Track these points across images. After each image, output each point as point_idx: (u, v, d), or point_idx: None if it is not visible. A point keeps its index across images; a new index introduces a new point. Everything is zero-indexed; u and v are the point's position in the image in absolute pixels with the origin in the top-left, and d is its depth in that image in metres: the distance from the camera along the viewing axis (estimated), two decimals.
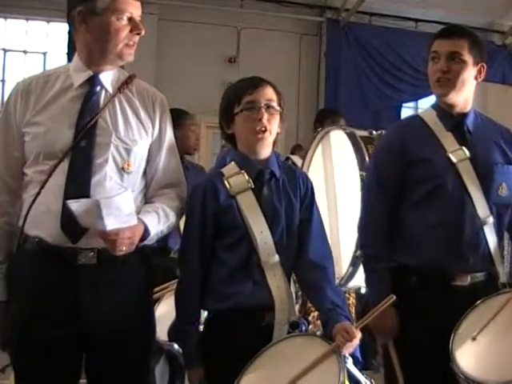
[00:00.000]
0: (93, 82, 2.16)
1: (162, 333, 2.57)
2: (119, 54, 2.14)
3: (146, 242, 2.12)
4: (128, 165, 2.14)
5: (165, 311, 2.82)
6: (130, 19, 2.11)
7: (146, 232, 2.08)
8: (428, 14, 9.80)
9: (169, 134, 2.27)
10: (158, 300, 2.92)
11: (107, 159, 2.10)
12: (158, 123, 2.23)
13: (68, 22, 2.18)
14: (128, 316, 2.12)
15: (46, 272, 2.07)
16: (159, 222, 2.14)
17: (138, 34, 2.14)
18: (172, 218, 2.21)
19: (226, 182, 2.20)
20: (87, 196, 2.04)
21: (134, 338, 2.15)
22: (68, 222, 2.01)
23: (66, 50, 2.25)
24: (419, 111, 2.82)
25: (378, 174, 2.53)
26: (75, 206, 1.90)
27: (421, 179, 2.44)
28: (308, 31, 10.23)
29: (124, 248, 1.98)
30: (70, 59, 2.26)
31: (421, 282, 2.41)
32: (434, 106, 2.58)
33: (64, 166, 2.08)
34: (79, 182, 2.07)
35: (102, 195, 2.05)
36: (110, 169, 2.11)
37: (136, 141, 2.17)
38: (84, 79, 2.15)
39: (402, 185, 2.47)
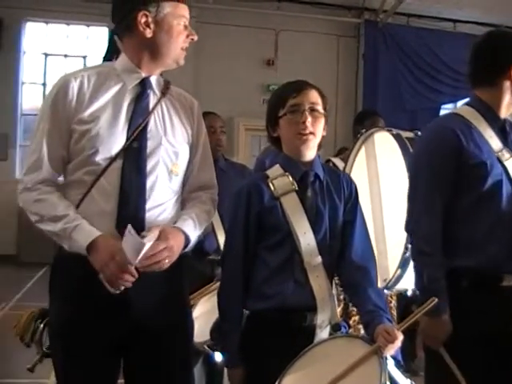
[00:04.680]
0: (144, 84, 2.18)
1: (198, 335, 2.59)
2: (176, 58, 2.19)
3: (187, 249, 2.14)
4: (176, 167, 2.17)
5: (200, 314, 2.84)
6: (185, 25, 2.17)
7: (187, 239, 2.11)
8: (466, 14, 9.72)
9: (203, 138, 2.30)
10: (192, 305, 2.92)
11: (158, 162, 2.12)
12: (196, 127, 2.27)
13: (117, 25, 2.19)
14: (172, 314, 2.14)
15: (93, 273, 2.01)
16: (195, 227, 2.16)
17: (193, 39, 2.19)
18: (205, 222, 2.23)
19: (270, 184, 2.22)
20: (143, 197, 2.07)
21: (180, 336, 2.18)
22: (123, 222, 2.01)
23: (103, 54, 2.25)
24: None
25: (434, 175, 2.44)
26: (130, 234, 1.92)
27: (476, 180, 2.39)
28: (346, 33, 10.23)
29: (167, 261, 2.00)
30: (105, 61, 2.29)
31: (472, 285, 2.37)
32: (473, 105, 2.51)
33: (116, 167, 2.08)
34: (134, 184, 2.08)
35: (155, 199, 2.10)
36: (160, 171, 2.13)
37: (182, 143, 2.20)
38: (137, 81, 2.17)
39: (457, 186, 2.41)
